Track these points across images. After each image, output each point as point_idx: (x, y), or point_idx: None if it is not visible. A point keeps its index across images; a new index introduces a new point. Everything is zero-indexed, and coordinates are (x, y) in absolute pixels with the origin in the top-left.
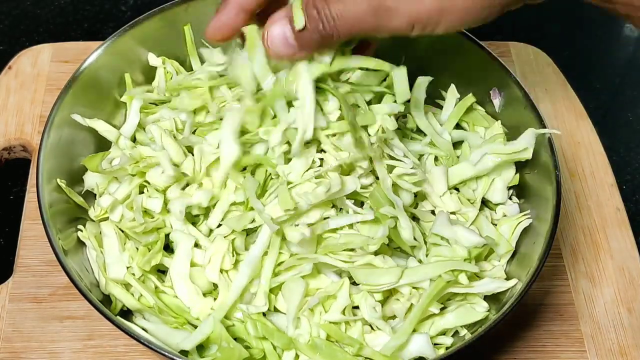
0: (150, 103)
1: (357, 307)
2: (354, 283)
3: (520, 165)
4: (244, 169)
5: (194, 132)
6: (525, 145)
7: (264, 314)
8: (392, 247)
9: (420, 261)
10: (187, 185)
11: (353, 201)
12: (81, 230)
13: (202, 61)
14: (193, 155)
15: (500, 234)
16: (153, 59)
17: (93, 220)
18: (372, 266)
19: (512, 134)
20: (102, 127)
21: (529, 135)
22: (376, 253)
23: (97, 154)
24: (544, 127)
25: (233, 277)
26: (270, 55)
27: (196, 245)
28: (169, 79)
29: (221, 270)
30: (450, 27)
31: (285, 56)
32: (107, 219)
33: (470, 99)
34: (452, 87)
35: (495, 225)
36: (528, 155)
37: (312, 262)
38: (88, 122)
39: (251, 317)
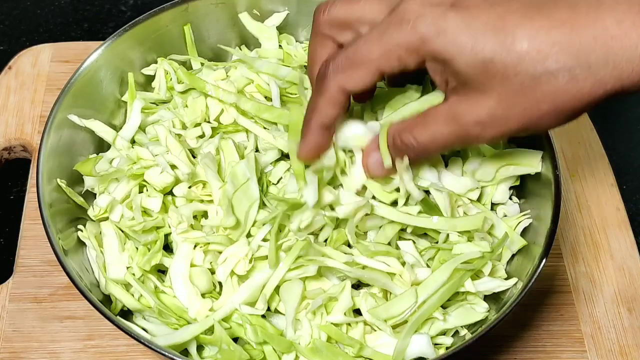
0: (151, 103)
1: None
2: (355, 285)
3: None
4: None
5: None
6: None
7: (263, 316)
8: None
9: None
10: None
11: None
12: (81, 230)
13: (202, 62)
14: (195, 157)
15: (512, 231)
16: (147, 70)
17: (93, 220)
18: (382, 298)
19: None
20: (99, 127)
21: (537, 157)
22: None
23: (89, 159)
24: None
25: (237, 281)
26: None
27: (196, 245)
28: (169, 80)
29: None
30: (538, 133)
31: (384, 176)
32: (107, 218)
33: None
34: None
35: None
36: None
37: (317, 265)
38: (85, 123)
39: (251, 322)
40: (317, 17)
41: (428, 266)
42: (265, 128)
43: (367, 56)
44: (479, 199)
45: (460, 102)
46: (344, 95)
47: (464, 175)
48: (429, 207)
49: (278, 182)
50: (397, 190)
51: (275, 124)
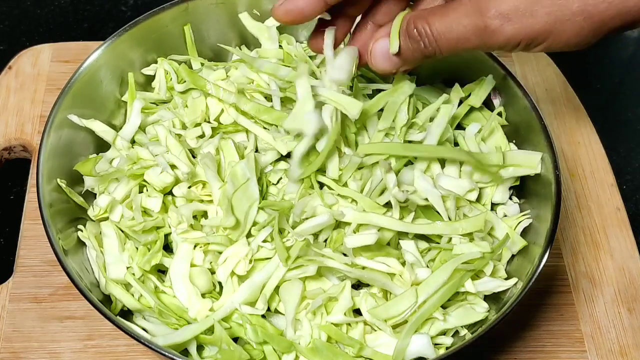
0: (151, 103)
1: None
2: (354, 285)
3: None
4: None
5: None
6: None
7: (263, 316)
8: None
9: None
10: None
11: None
12: (81, 230)
13: (202, 62)
14: (195, 157)
15: (513, 231)
16: (147, 70)
17: (93, 220)
18: (382, 298)
19: (512, 134)
20: (98, 127)
21: (537, 158)
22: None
23: (89, 159)
24: (544, 127)
25: (237, 281)
26: (375, 70)
27: (196, 245)
28: (169, 80)
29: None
30: (553, 48)
31: (387, 71)
32: (107, 218)
33: (468, 102)
34: (457, 86)
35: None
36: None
37: (317, 265)
38: (85, 123)
39: (251, 322)
40: None
41: (429, 267)
42: (265, 129)
43: None
44: (478, 200)
45: None
46: None
47: (461, 177)
48: (429, 212)
49: (278, 182)
50: (388, 204)
51: (276, 125)
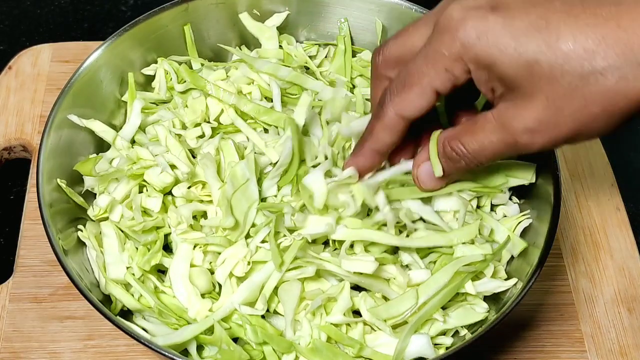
0: (151, 103)
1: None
2: (354, 287)
3: None
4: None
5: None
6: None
7: (262, 316)
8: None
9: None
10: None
11: None
12: (81, 230)
13: (202, 62)
14: (195, 157)
15: (513, 233)
16: (147, 70)
17: (93, 220)
18: (381, 299)
19: None
20: (98, 127)
21: (531, 169)
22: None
23: (89, 159)
24: None
25: (236, 282)
26: (422, 190)
27: (196, 246)
28: (169, 80)
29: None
30: (589, 139)
31: (436, 189)
32: (107, 218)
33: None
34: None
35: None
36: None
37: (315, 267)
38: (85, 123)
39: (251, 323)
40: (374, 61)
41: (429, 269)
42: (265, 130)
43: (417, 74)
44: (477, 203)
45: (507, 109)
46: (401, 121)
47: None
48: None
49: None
50: (381, 224)
51: (276, 126)
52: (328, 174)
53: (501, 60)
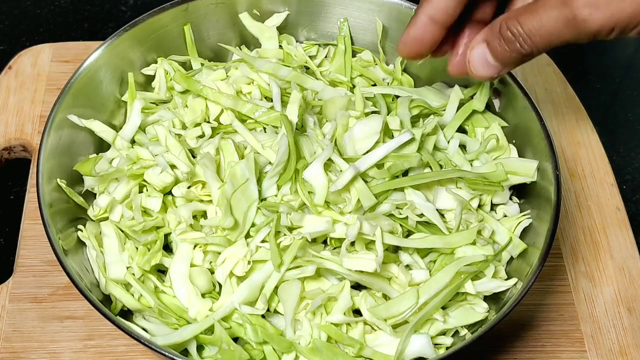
0: (151, 103)
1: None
2: (354, 287)
3: None
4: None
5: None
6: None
7: (262, 316)
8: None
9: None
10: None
11: None
12: (81, 230)
13: (202, 62)
14: (195, 157)
15: (513, 234)
16: (147, 70)
17: (93, 220)
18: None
19: (512, 134)
20: (98, 127)
21: (533, 166)
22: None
23: (89, 159)
24: (544, 127)
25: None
26: (474, 77)
27: (196, 245)
28: (169, 80)
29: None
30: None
31: (487, 77)
32: (107, 218)
33: (471, 105)
34: (457, 87)
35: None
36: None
37: (316, 266)
38: (84, 123)
39: (251, 322)
40: None
41: (429, 269)
42: (264, 130)
43: None
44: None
45: None
46: None
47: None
48: (428, 225)
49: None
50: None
51: (275, 126)
52: (328, 166)
53: None
